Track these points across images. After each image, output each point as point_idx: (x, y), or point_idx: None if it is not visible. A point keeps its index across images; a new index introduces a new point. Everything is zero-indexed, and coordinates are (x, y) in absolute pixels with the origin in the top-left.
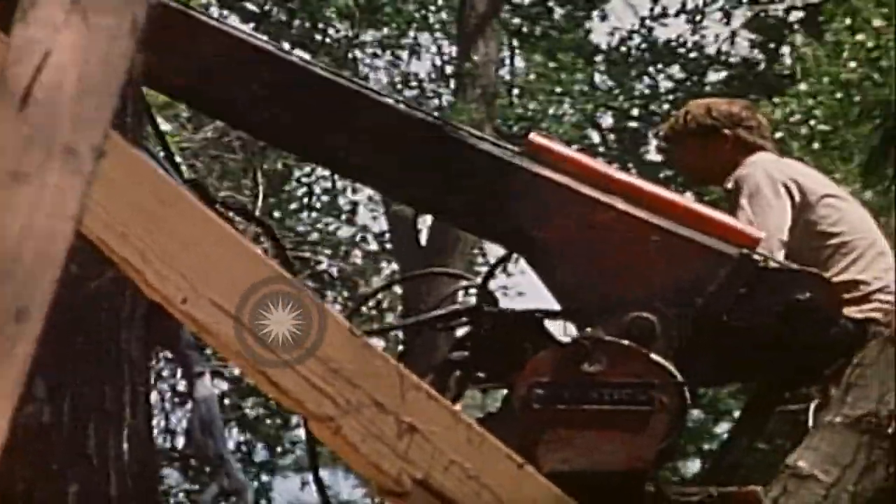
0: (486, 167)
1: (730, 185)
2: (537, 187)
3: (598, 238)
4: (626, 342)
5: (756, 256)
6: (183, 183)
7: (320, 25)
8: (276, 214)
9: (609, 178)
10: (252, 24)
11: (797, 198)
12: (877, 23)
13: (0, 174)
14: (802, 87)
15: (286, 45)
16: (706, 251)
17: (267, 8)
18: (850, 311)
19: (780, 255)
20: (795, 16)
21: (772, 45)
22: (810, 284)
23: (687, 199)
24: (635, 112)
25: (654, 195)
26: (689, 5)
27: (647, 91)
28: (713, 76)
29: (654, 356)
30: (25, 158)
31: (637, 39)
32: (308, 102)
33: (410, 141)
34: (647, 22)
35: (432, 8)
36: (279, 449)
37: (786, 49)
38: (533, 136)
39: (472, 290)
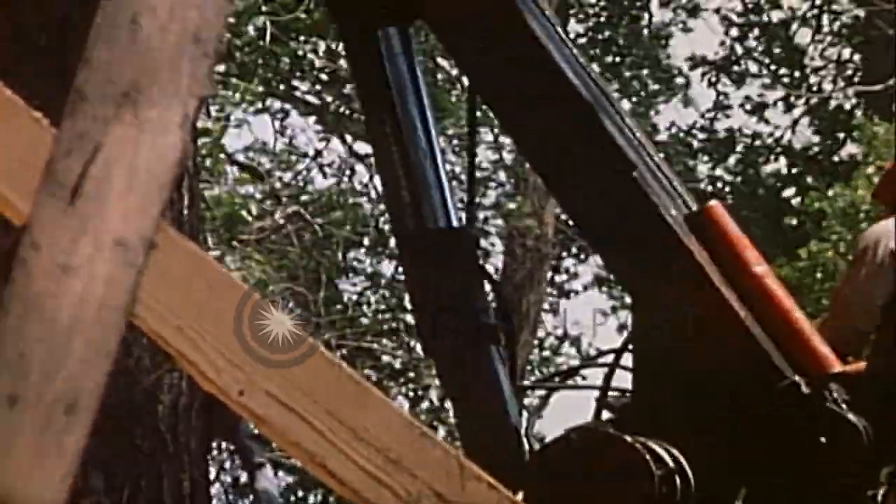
0: (647, 218)
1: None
2: (673, 251)
3: (690, 321)
4: (611, 431)
5: (804, 389)
6: None
7: None
8: (338, 306)
9: (748, 272)
10: (312, 117)
11: None
12: None
13: (50, 267)
14: (870, 170)
15: (348, 138)
16: (765, 364)
17: (329, 101)
18: None
19: (856, 334)
20: (857, 102)
21: (834, 133)
22: (840, 433)
23: (797, 311)
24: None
25: (773, 298)
26: (753, 96)
27: (705, 180)
28: (773, 165)
29: (648, 444)
30: (75, 251)
31: (698, 131)
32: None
33: (597, 160)
34: (708, 114)
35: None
36: None
37: (849, 134)
38: (713, 205)
39: None
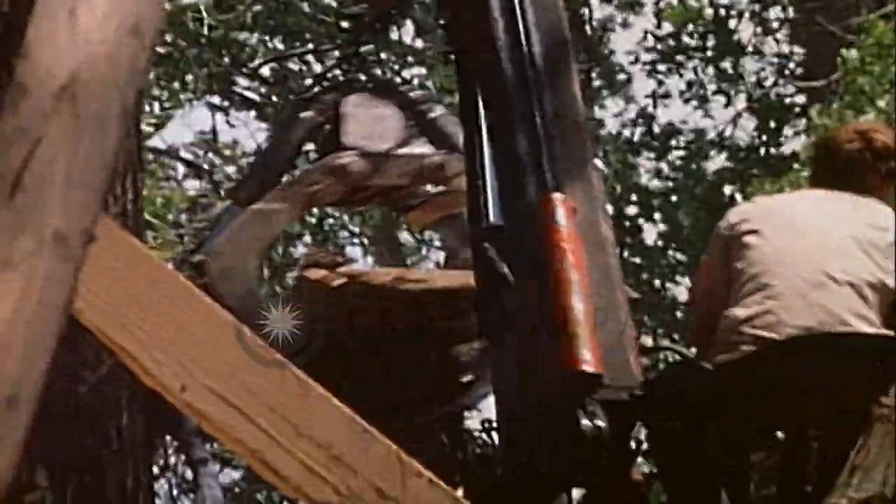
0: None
1: None
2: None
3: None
4: None
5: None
6: None
7: None
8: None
9: (553, 264)
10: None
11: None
12: (881, 104)
13: None
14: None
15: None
16: (542, 359)
17: (269, 97)
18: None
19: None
20: (800, 100)
21: (777, 128)
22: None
23: (583, 308)
24: (633, 198)
25: (561, 287)
26: (693, 89)
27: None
28: (715, 160)
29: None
30: (15, 246)
31: (639, 126)
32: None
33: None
34: (649, 108)
35: None
36: None
37: (788, 132)
38: (554, 197)
39: None
